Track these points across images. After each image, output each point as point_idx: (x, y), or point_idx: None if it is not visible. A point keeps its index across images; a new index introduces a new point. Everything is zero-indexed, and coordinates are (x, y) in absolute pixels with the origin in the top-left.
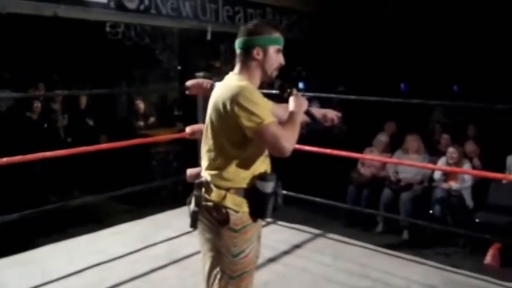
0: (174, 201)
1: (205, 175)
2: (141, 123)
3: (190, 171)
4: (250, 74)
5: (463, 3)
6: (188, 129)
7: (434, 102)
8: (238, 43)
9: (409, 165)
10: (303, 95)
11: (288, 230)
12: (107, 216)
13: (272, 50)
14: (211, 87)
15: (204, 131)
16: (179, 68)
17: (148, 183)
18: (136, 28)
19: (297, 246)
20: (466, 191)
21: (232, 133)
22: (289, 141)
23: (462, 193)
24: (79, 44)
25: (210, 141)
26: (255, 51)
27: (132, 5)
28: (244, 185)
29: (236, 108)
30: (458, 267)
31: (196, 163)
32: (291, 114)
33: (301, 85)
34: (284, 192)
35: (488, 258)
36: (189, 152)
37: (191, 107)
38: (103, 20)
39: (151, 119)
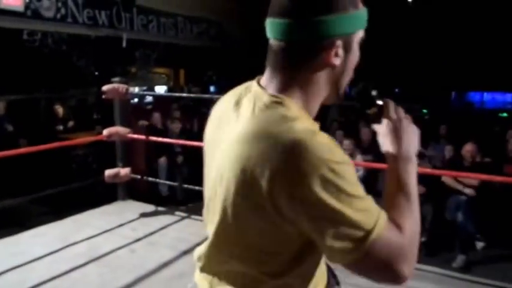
0: (94, 201)
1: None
2: (61, 127)
3: (108, 172)
4: (308, 97)
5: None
6: (105, 132)
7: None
8: (286, 29)
9: None
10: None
11: (201, 223)
12: (28, 219)
13: (356, 40)
14: (127, 91)
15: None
16: (96, 73)
17: (68, 185)
18: (53, 36)
19: None
20: None
21: (274, 239)
22: (410, 254)
23: None
24: None
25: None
26: (332, 50)
27: (48, 14)
28: None
29: (302, 204)
30: None
31: (114, 164)
32: (404, 171)
33: (212, 88)
34: (191, 186)
35: None
36: (108, 153)
37: (109, 111)
38: (20, 28)
39: (71, 123)
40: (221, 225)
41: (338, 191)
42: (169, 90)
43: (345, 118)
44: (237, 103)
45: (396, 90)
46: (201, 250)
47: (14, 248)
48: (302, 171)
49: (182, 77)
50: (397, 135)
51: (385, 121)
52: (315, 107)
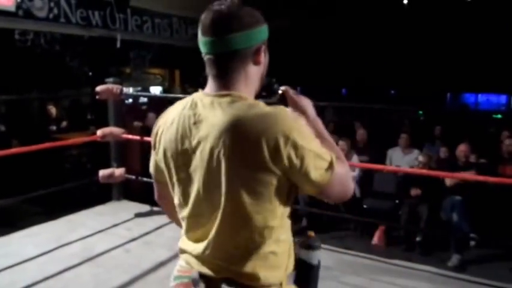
0: (88, 201)
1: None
2: (54, 128)
3: (103, 173)
4: (250, 89)
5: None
6: (99, 132)
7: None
8: (235, 41)
9: None
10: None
11: None
12: (20, 219)
13: (265, 45)
14: (121, 92)
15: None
16: (90, 74)
17: (62, 185)
18: (46, 36)
19: None
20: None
21: (265, 189)
22: (349, 172)
23: None
24: None
25: (217, 205)
26: (262, 52)
27: (41, 14)
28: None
29: (293, 153)
30: (350, 249)
31: (108, 164)
32: (315, 124)
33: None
34: None
35: (375, 239)
36: (102, 153)
37: (103, 111)
38: (11, 27)
39: (64, 123)
40: (230, 202)
41: (307, 136)
42: (164, 91)
43: (340, 119)
44: (194, 114)
45: (392, 92)
46: (198, 239)
47: (6, 248)
48: (291, 131)
49: (177, 77)
50: (300, 107)
51: (291, 99)
52: (253, 96)
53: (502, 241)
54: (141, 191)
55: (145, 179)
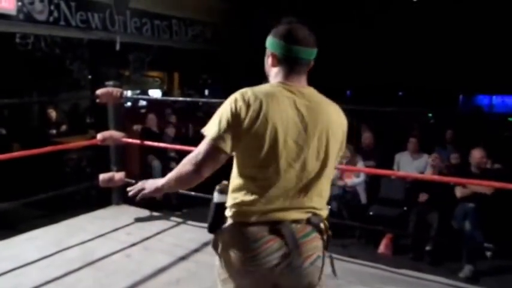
0: (88, 205)
1: (318, 214)
2: (54, 131)
3: (103, 177)
4: None
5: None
6: (99, 136)
7: None
8: (313, 54)
9: None
10: None
11: (197, 229)
12: (21, 223)
13: None
14: (121, 95)
15: (303, 160)
16: (90, 77)
17: (62, 189)
18: (46, 39)
19: (206, 244)
20: (360, 187)
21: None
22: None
23: (356, 189)
24: None
25: (325, 177)
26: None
27: (41, 17)
28: None
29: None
30: (355, 257)
31: (108, 168)
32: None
33: (206, 92)
34: (186, 192)
35: (381, 248)
36: (101, 157)
37: (103, 115)
38: (12, 31)
39: (64, 127)
40: (326, 163)
41: None
42: (163, 94)
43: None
44: (300, 94)
45: (400, 93)
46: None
47: (7, 251)
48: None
49: (177, 80)
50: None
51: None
52: None
53: None
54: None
55: None
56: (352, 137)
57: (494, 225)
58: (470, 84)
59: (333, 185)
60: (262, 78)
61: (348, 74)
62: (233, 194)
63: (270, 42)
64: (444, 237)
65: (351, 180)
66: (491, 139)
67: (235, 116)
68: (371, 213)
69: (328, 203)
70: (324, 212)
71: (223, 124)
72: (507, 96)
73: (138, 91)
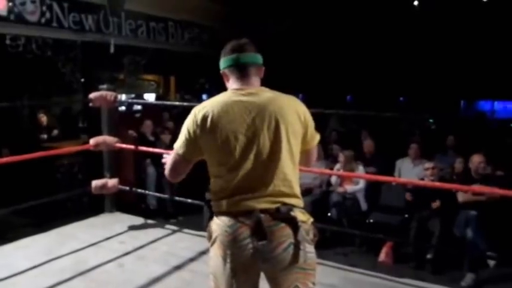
0: (80, 213)
1: (288, 203)
2: (45, 136)
3: (95, 183)
4: None
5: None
6: (92, 141)
7: (330, 111)
8: (258, 58)
9: (307, 171)
10: None
11: (193, 237)
12: (10, 231)
13: None
14: (115, 99)
15: (252, 149)
16: (82, 80)
17: (53, 196)
18: (37, 41)
19: (202, 253)
20: (360, 194)
21: (300, 143)
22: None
23: (357, 196)
24: None
25: (283, 160)
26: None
27: (32, 18)
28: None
29: (309, 118)
30: (355, 266)
31: (101, 175)
32: None
33: (204, 97)
34: (189, 200)
35: (382, 256)
36: (94, 163)
37: (96, 119)
38: (2, 32)
39: (55, 132)
40: (280, 146)
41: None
42: (158, 98)
43: (346, 128)
44: (246, 94)
45: (401, 98)
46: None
47: None
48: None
49: (173, 84)
50: None
51: None
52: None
53: None
54: (134, 202)
55: (139, 191)
56: (353, 143)
57: (497, 233)
58: (471, 89)
59: (332, 191)
60: (260, 83)
61: (349, 79)
62: (211, 191)
63: (219, 64)
64: (446, 245)
65: (350, 187)
66: (493, 145)
67: (189, 128)
68: (371, 220)
69: (328, 211)
70: (296, 201)
71: (182, 137)
72: (509, 102)
73: (132, 95)
